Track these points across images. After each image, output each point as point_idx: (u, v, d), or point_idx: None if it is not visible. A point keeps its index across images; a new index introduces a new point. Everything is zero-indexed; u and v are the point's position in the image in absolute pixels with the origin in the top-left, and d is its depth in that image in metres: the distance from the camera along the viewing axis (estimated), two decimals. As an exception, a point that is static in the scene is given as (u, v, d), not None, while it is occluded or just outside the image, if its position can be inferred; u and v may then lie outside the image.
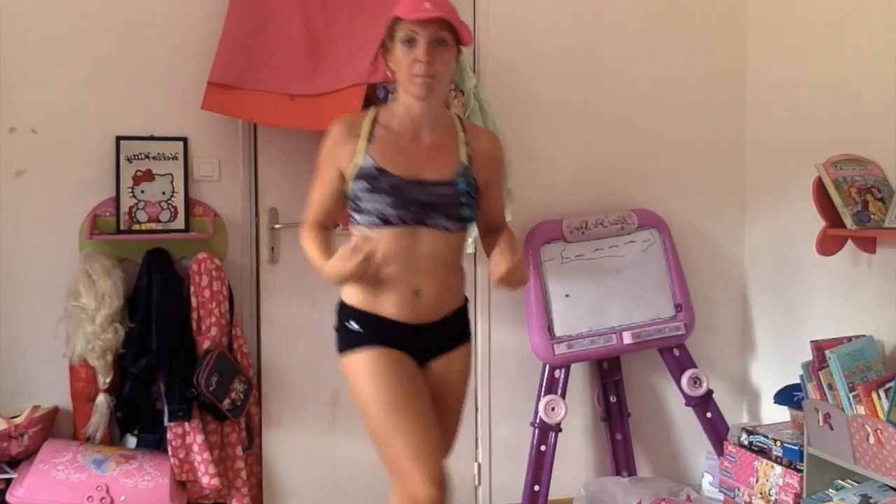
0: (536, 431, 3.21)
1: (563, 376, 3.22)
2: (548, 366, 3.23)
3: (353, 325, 2.20)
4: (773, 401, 3.22)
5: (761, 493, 3.02)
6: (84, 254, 2.95)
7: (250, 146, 3.15)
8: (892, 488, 2.63)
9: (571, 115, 3.44)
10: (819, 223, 2.87)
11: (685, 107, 3.56)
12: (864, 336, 2.81)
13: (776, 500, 2.96)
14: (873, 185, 2.85)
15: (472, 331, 2.38)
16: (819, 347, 2.79)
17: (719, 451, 3.27)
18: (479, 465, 3.41)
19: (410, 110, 2.19)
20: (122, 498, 2.77)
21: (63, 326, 2.93)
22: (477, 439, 3.41)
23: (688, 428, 3.52)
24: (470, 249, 3.13)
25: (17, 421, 2.82)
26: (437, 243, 2.16)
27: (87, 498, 2.75)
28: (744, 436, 3.15)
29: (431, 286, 2.18)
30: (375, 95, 2.87)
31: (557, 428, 3.20)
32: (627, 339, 3.23)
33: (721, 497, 3.24)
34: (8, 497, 2.73)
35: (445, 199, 2.16)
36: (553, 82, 3.41)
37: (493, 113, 3.15)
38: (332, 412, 3.21)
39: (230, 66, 2.93)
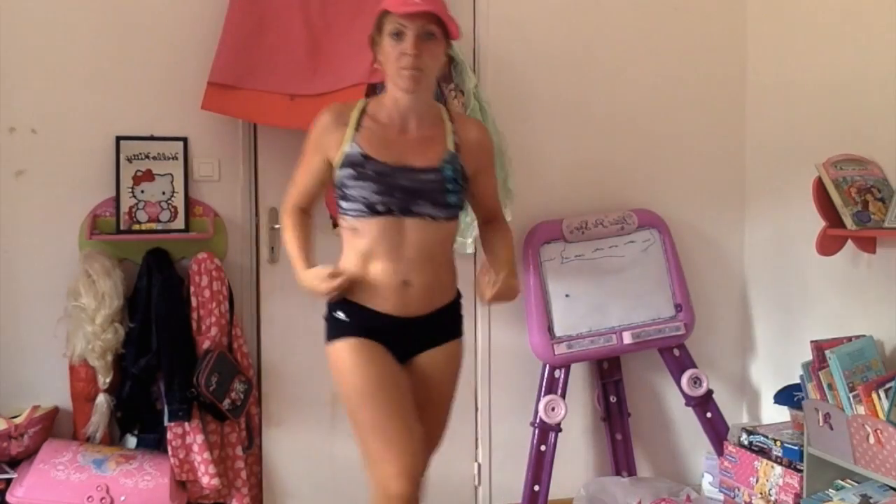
0: (536, 431, 3.21)
1: (563, 376, 3.22)
2: (548, 366, 3.23)
3: (340, 315, 2.21)
4: (773, 401, 3.22)
5: (761, 493, 3.02)
6: (84, 254, 2.95)
7: (250, 146, 3.15)
8: (892, 488, 2.63)
9: (571, 115, 3.44)
10: (819, 223, 2.87)
11: (685, 107, 3.56)
12: (864, 336, 2.81)
13: (776, 500, 2.96)
14: (873, 185, 2.85)
15: (465, 327, 2.36)
16: (819, 347, 2.79)
17: (719, 451, 3.27)
18: (479, 465, 3.41)
19: (398, 103, 2.20)
20: (122, 498, 2.77)
21: (63, 326, 2.93)
22: (477, 439, 3.41)
23: (688, 428, 3.52)
24: (470, 249, 3.14)
25: (17, 421, 2.82)
26: (424, 234, 2.16)
27: (87, 498, 2.75)
28: (744, 436, 3.15)
29: (420, 278, 2.18)
30: (375, 95, 2.87)
31: (557, 428, 3.20)
32: (627, 339, 3.23)
33: (721, 497, 3.24)
34: (8, 497, 2.73)
35: (431, 184, 2.15)
36: (553, 82, 3.41)
37: (493, 113, 3.15)
38: (332, 412, 3.21)
39: (230, 66, 2.93)
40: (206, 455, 2.89)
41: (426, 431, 2.27)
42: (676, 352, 3.35)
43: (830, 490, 2.79)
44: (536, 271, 3.23)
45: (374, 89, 2.86)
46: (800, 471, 2.88)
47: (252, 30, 2.97)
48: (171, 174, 3.04)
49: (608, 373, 3.43)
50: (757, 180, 3.57)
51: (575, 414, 3.39)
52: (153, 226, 3.00)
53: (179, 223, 3.03)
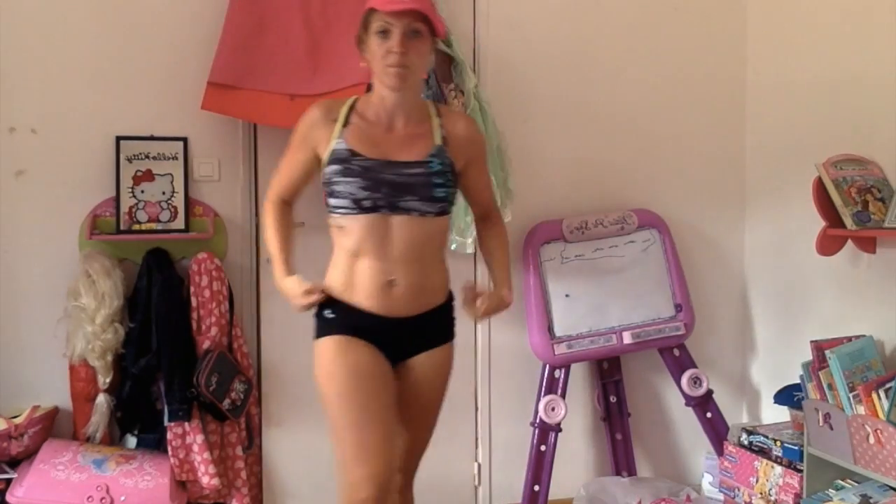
0: (536, 431, 3.21)
1: (563, 376, 3.22)
2: (548, 366, 3.23)
3: (327, 313, 2.20)
4: (773, 401, 3.22)
5: (761, 493, 3.02)
6: (84, 254, 2.95)
7: (250, 146, 3.15)
8: (892, 488, 2.63)
9: (571, 115, 3.44)
10: (819, 223, 2.87)
11: (685, 107, 3.56)
12: (864, 336, 2.81)
13: (776, 500, 2.96)
14: (873, 185, 2.85)
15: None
16: (819, 347, 2.79)
17: (719, 451, 3.27)
18: (479, 465, 3.41)
19: (385, 101, 2.19)
20: (122, 498, 2.77)
21: (63, 326, 2.93)
22: (477, 439, 3.41)
23: (688, 428, 3.52)
24: (470, 249, 3.14)
25: (17, 421, 2.82)
26: (412, 231, 2.15)
27: (87, 498, 2.75)
28: (744, 436, 3.15)
29: (406, 278, 2.16)
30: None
31: (557, 428, 3.20)
32: (627, 339, 3.23)
33: (721, 497, 3.24)
34: (8, 497, 2.73)
35: (418, 178, 2.14)
36: (553, 82, 3.41)
37: (493, 113, 3.15)
38: (332, 412, 3.21)
39: (230, 66, 2.93)
40: (206, 455, 2.89)
41: (414, 435, 2.28)
42: (676, 352, 3.35)
43: (830, 490, 2.79)
44: (536, 271, 3.23)
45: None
46: (800, 471, 2.88)
47: (252, 30, 2.96)
48: (171, 174, 3.04)
49: (608, 373, 3.43)
50: (757, 180, 3.57)
51: (575, 414, 3.39)
52: (153, 226, 3.00)
53: (179, 223, 3.03)
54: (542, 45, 3.40)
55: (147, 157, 3.02)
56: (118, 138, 3.00)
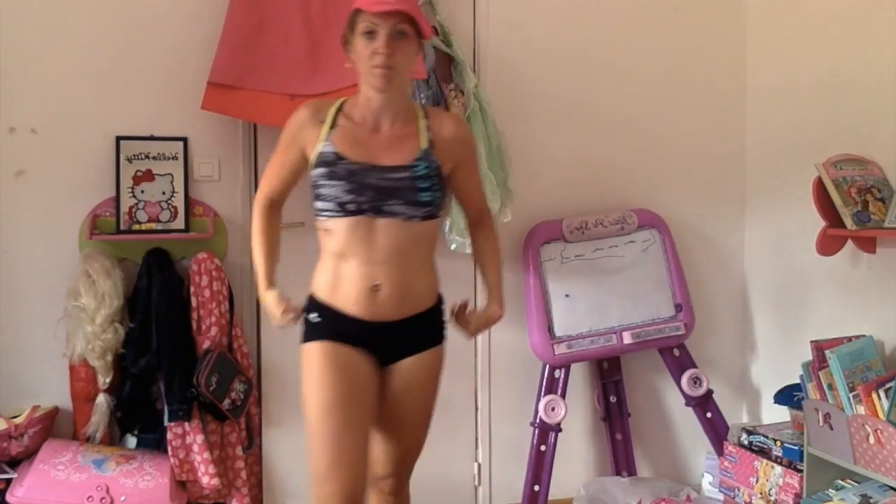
0: (536, 431, 3.21)
1: (563, 376, 3.22)
2: (548, 366, 3.23)
3: (313, 317, 2.20)
4: (773, 401, 3.22)
5: (761, 493, 3.02)
6: (84, 254, 2.95)
7: (250, 146, 3.15)
8: (892, 488, 2.63)
9: (571, 115, 3.44)
10: (819, 223, 2.87)
11: (685, 107, 3.56)
12: (864, 336, 2.81)
13: (776, 500, 2.96)
14: (873, 185, 2.85)
15: (447, 333, 2.31)
16: (819, 347, 2.79)
17: (719, 451, 3.27)
18: (479, 465, 3.41)
19: (371, 102, 2.18)
20: (122, 498, 2.77)
21: (63, 326, 2.93)
22: (477, 439, 3.41)
23: (688, 428, 3.52)
24: (469, 249, 3.13)
25: (17, 421, 2.82)
26: (397, 234, 2.14)
27: (87, 498, 2.75)
28: (744, 436, 3.15)
29: (391, 281, 2.14)
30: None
31: (557, 428, 3.20)
32: (627, 339, 3.23)
33: (721, 497, 3.24)
34: (8, 497, 2.73)
35: (403, 182, 2.13)
36: (553, 82, 3.41)
37: (493, 113, 3.15)
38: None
39: (230, 66, 2.93)
40: (206, 455, 2.89)
41: (404, 439, 2.27)
42: (676, 352, 3.35)
43: (830, 490, 2.79)
44: (536, 271, 3.23)
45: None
46: (800, 471, 2.88)
47: (252, 30, 2.96)
48: (171, 174, 3.04)
49: (608, 373, 3.43)
50: (757, 180, 3.57)
51: (575, 414, 3.39)
52: (153, 226, 3.00)
53: (179, 223, 3.03)
54: (542, 45, 3.40)
55: (147, 157, 3.02)
56: (118, 138, 3.00)
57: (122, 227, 2.97)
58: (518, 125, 3.31)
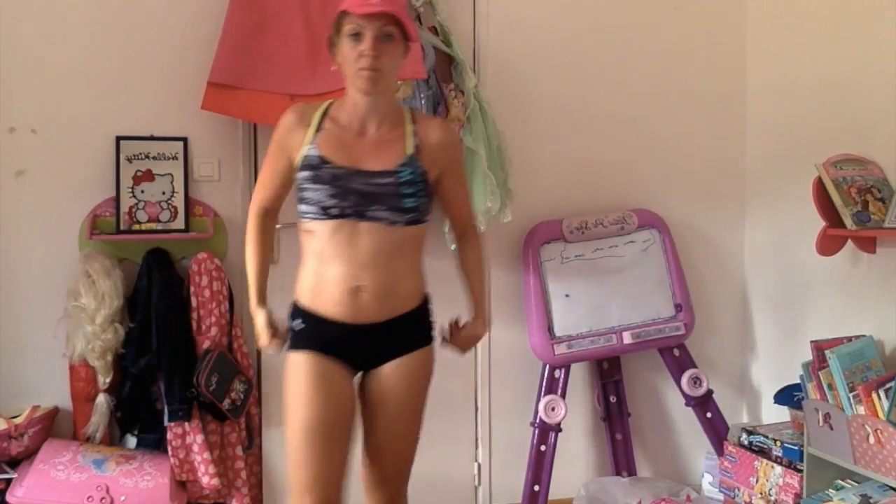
0: (536, 431, 3.21)
1: (563, 376, 3.22)
2: (548, 366, 3.23)
3: (297, 324, 2.20)
4: (773, 401, 3.22)
5: (761, 493, 3.02)
6: (84, 254, 2.95)
7: (250, 146, 3.15)
8: (892, 488, 2.63)
9: (572, 115, 3.44)
10: (819, 223, 2.87)
11: (685, 107, 3.56)
12: (864, 336, 2.81)
13: (776, 500, 2.96)
14: (873, 185, 2.85)
15: (433, 332, 2.29)
16: (819, 347, 2.79)
17: (719, 451, 3.27)
18: (479, 465, 3.41)
19: (357, 105, 2.17)
20: (122, 498, 2.77)
21: (63, 326, 2.93)
22: (477, 439, 3.41)
23: (688, 428, 3.52)
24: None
25: (17, 421, 2.82)
26: (381, 238, 2.12)
27: (87, 498, 2.75)
28: (744, 436, 3.15)
29: (373, 283, 2.12)
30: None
31: (557, 428, 3.20)
32: (627, 339, 3.23)
33: (721, 497, 3.24)
34: (8, 497, 2.73)
35: (386, 188, 2.11)
36: (553, 82, 3.41)
37: (493, 113, 3.15)
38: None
39: (230, 66, 2.93)
40: (206, 455, 2.89)
41: (392, 445, 2.24)
42: (676, 352, 3.36)
43: (830, 490, 2.79)
44: (536, 271, 3.23)
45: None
46: (800, 471, 2.88)
47: (252, 30, 2.97)
48: (171, 174, 3.04)
49: (608, 373, 3.43)
50: (757, 180, 3.57)
51: (575, 414, 3.39)
52: (153, 226, 3.00)
53: (179, 223, 3.03)
54: (542, 45, 3.40)
55: (147, 157, 3.02)
56: (118, 138, 3.00)
57: (122, 227, 2.97)
58: (518, 125, 3.31)
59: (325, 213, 2.11)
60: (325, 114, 2.20)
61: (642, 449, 3.52)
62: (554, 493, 3.23)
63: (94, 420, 2.92)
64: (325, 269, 2.14)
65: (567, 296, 3.24)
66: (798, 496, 2.86)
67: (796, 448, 2.92)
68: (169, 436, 2.89)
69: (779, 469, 2.97)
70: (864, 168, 2.89)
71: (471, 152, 3.06)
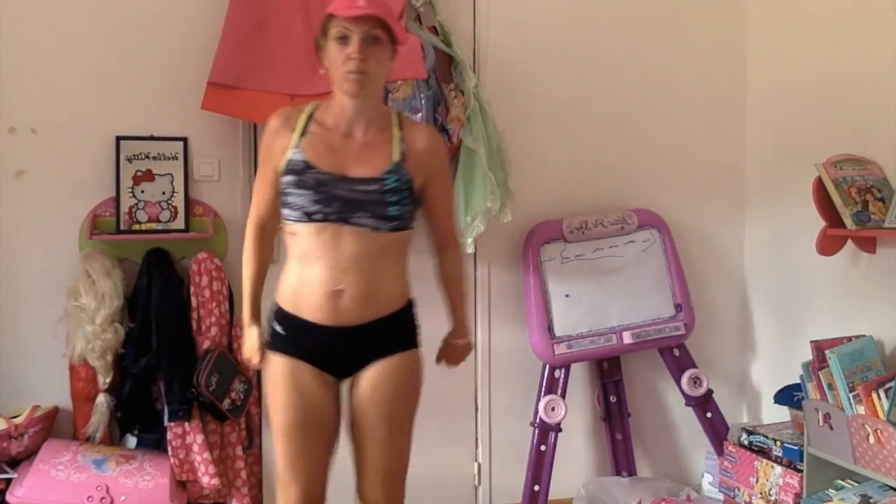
0: (536, 431, 3.21)
1: (563, 376, 3.22)
2: (548, 366, 3.23)
3: (277, 328, 2.20)
4: (773, 401, 3.22)
5: (761, 493, 3.02)
6: (84, 254, 2.95)
7: (250, 146, 3.15)
8: (892, 488, 2.63)
9: (571, 115, 3.44)
10: (819, 223, 2.87)
11: (685, 107, 3.56)
12: (864, 336, 2.81)
13: (776, 500, 2.96)
14: (873, 185, 2.85)
15: (419, 337, 2.27)
16: (819, 347, 2.79)
17: (719, 451, 3.27)
18: (479, 465, 3.41)
19: (343, 108, 2.16)
20: (122, 498, 2.77)
21: (63, 326, 2.93)
22: (477, 439, 3.41)
23: (688, 428, 3.52)
24: (470, 249, 3.13)
25: (17, 421, 2.82)
26: (364, 242, 2.10)
27: (87, 498, 2.75)
28: (744, 436, 3.15)
29: (355, 287, 2.11)
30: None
31: (557, 428, 3.20)
32: (627, 339, 3.23)
33: (721, 497, 3.24)
34: (8, 497, 2.73)
35: (371, 195, 2.10)
36: (553, 82, 3.41)
37: (493, 113, 3.16)
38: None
39: (230, 66, 2.93)
40: (206, 455, 2.89)
41: (385, 453, 2.21)
42: (676, 352, 3.36)
43: (830, 490, 2.79)
44: (536, 271, 3.23)
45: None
46: (800, 471, 2.88)
47: (252, 30, 2.97)
48: (171, 174, 3.04)
49: (608, 373, 3.43)
50: (757, 180, 3.57)
51: (575, 414, 3.39)
52: (153, 226, 3.00)
53: (179, 223, 3.03)
54: (542, 45, 3.40)
55: (147, 157, 3.02)
56: (118, 138, 3.00)
57: (122, 227, 2.97)
58: (518, 125, 3.31)
59: (309, 217, 2.10)
60: (310, 117, 2.19)
61: (642, 449, 3.52)
62: (554, 493, 3.23)
63: (94, 420, 2.92)
64: (307, 271, 2.13)
65: (567, 296, 3.24)
66: (798, 496, 2.86)
67: (796, 448, 2.92)
68: (169, 436, 2.88)
69: (779, 469, 2.97)
70: (864, 168, 2.89)
71: (471, 152, 3.06)
